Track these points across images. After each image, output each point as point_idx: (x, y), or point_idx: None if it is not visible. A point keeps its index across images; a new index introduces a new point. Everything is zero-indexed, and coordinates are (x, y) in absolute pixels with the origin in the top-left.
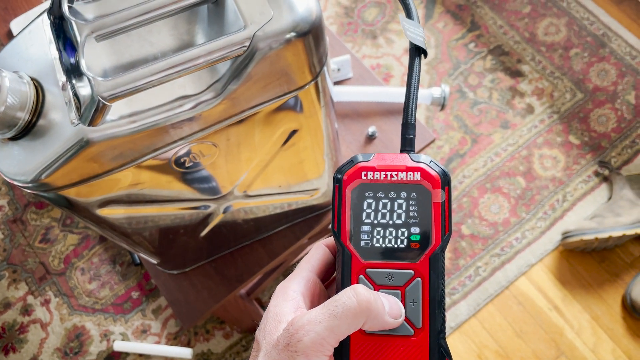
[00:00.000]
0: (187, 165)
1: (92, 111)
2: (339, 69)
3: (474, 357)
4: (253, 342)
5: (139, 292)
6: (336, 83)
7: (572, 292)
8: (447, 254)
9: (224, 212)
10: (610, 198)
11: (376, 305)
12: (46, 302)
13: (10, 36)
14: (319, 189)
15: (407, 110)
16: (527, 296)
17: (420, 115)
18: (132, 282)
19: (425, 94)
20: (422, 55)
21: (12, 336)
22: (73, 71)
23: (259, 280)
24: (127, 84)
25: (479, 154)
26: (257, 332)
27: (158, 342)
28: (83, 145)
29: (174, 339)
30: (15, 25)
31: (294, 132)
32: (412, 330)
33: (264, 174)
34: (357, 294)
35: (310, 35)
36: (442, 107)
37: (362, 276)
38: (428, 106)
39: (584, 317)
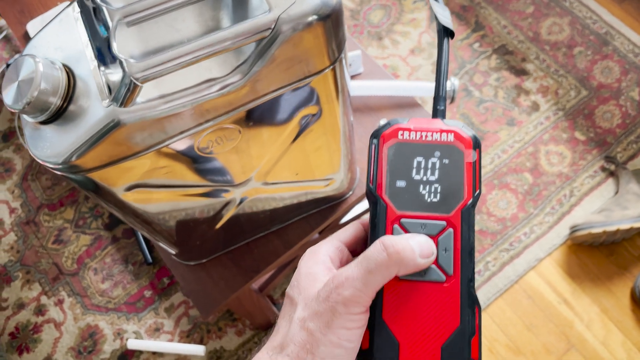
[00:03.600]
0: (210, 149)
1: (124, 92)
2: (350, 64)
3: (485, 351)
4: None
5: (151, 291)
6: None
7: (581, 286)
8: None
9: (241, 201)
10: (617, 192)
11: (405, 254)
12: (60, 302)
13: (27, 38)
14: (334, 178)
15: (439, 84)
16: (536, 290)
17: (429, 109)
18: (144, 281)
19: (432, 87)
20: (449, 37)
21: (26, 336)
22: (105, 55)
23: (270, 276)
24: (159, 65)
25: (486, 151)
26: (288, 291)
27: (171, 340)
28: (114, 126)
29: (187, 337)
30: (32, 27)
31: (312, 116)
32: (443, 277)
33: (283, 160)
34: (386, 247)
35: (331, 19)
36: (452, 99)
37: (396, 225)
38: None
39: (593, 310)
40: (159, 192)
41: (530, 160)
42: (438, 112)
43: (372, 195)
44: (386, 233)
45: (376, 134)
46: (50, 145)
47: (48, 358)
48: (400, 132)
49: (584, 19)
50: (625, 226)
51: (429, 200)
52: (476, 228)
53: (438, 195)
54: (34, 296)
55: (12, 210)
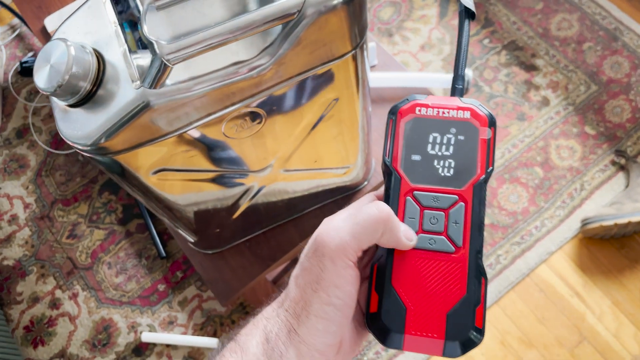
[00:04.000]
0: (235, 133)
1: (154, 74)
2: None
3: (497, 344)
4: None
5: (165, 284)
6: None
7: (592, 279)
8: None
9: (260, 190)
10: (627, 186)
11: (393, 220)
12: (74, 296)
13: (44, 33)
14: (351, 167)
15: (458, 63)
16: (548, 283)
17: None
18: (158, 275)
19: (447, 78)
20: (471, 19)
21: (41, 329)
22: (136, 33)
23: (284, 268)
24: (190, 47)
25: (497, 145)
26: (300, 258)
27: (185, 333)
28: (144, 107)
29: (200, 330)
30: (50, 22)
31: (333, 102)
32: (453, 248)
33: (303, 147)
34: (377, 205)
35: (354, 4)
36: (466, 90)
37: (409, 197)
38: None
39: (605, 302)
40: (183, 176)
41: (541, 154)
42: (456, 91)
43: (388, 167)
44: (399, 205)
45: (394, 109)
46: (80, 127)
47: (63, 351)
48: (417, 108)
49: (593, 14)
50: (636, 218)
51: (442, 174)
52: (487, 222)
53: (451, 170)
54: (48, 290)
55: (26, 206)
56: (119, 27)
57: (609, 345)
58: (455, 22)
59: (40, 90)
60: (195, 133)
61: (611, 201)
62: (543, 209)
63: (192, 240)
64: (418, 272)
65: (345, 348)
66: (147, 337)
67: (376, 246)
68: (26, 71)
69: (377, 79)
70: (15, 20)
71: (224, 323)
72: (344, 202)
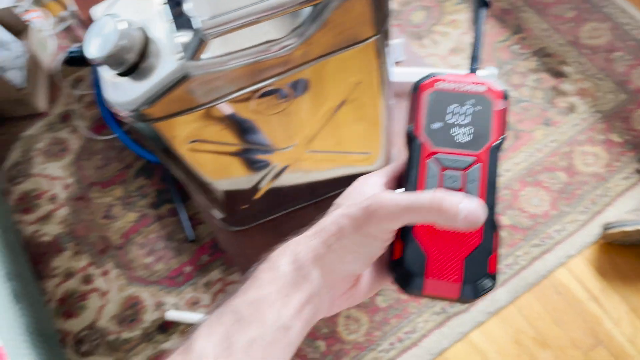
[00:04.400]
0: (264, 107)
1: (194, 47)
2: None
3: (511, 342)
4: None
5: (191, 267)
6: None
7: (611, 284)
8: None
9: (284, 169)
10: None
11: (447, 206)
12: (105, 273)
13: (91, 22)
14: (372, 153)
15: (476, 46)
16: (566, 286)
17: None
18: (185, 257)
19: None
20: (486, 7)
21: (73, 303)
22: (178, 16)
23: None
24: (227, 23)
25: (521, 149)
26: (336, 200)
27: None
28: (182, 78)
29: None
30: (96, 12)
31: (356, 85)
32: None
33: (326, 128)
34: (433, 194)
35: None
36: None
37: (430, 160)
38: None
39: (622, 308)
40: (213, 148)
41: (565, 159)
42: (472, 70)
43: (410, 135)
44: (420, 167)
45: (416, 85)
46: (125, 95)
47: (92, 324)
48: (437, 83)
49: (623, 25)
50: None
51: (460, 140)
52: (507, 223)
53: (469, 137)
54: (82, 266)
55: (65, 187)
56: (164, 7)
57: (625, 351)
58: (486, 27)
59: (90, 60)
60: (226, 107)
61: (634, 208)
62: (564, 213)
63: (220, 217)
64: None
65: (360, 288)
66: (171, 315)
67: None
68: (73, 61)
69: (402, 73)
70: (65, 13)
71: None
72: None
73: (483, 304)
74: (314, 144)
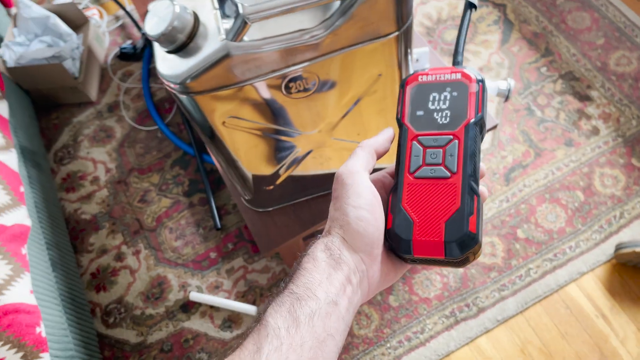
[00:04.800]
0: (293, 91)
1: (236, 29)
2: (417, 59)
3: (518, 351)
4: None
5: (216, 253)
6: None
7: (620, 303)
8: (500, 253)
9: (308, 153)
10: None
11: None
12: (137, 253)
13: None
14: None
15: (458, 43)
16: (575, 301)
17: (492, 107)
18: (211, 244)
19: (492, 85)
20: (472, 9)
21: (104, 277)
22: (224, 2)
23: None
24: (266, 10)
25: (541, 166)
26: (337, 195)
27: (228, 298)
28: (225, 56)
29: (242, 297)
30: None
31: (377, 77)
32: (448, 174)
33: (349, 117)
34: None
35: None
36: (507, 98)
37: (414, 142)
38: (497, 110)
39: (630, 328)
40: (246, 125)
41: (584, 179)
42: (455, 62)
43: (399, 122)
44: (407, 148)
45: (402, 81)
46: (173, 69)
47: (120, 298)
48: (420, 77)
49: None
50: None
51: (440, 122)
52: (522, 236)
53: (448, 119)
54: (115, 244)
55: (107, 170)
56: None
57: None
58: (516, 49)
59: (147, 36)
60: (259, 87)
61: None
62: (579, 231)
63: (247, 198)
64: (422, 195)
65: (382, 272)
66: (194, 296)
67: (394, 182)
68: (124, 56)
69: None
70: (120, 12)
71: (263, 294)
72: None
73: (492, 312)
74: (337, 132)
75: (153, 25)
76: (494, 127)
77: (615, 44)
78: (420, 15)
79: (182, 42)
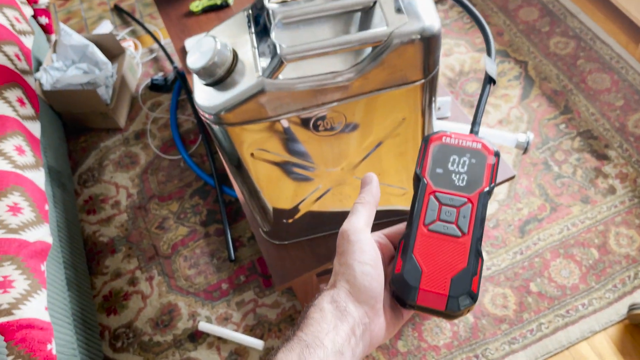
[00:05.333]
0: (320, 129)
1: (273, 67)
2: (439, 107)
3: None
4: None
5: (228, 285)
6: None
7: None
8: (512, 305)
9: (327, 191)
10: None
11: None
12: (150, 278)
13: (183, 51)
14: (408, 190)
15: (477, 114)
16: None
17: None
18: (224, 275)
19: (511, 137)
20: (492, 83)
21: (116, 301)
22: (263, 42)
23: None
24: (303, 52)
25: (557, 221)
26: (342, 250)
27: (236, 330)
28: (260, 92)
29: (250, 331)
30: (188, 43)
31: (401, 121)
32: (460, 233)
33: (371, 157)
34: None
35: (430, 41)
36: (525, 151)
37: (431, 196)
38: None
39: None
40: (272, 158)
41: (599, 237)
42: (473, 131)
43: (418, 176)
44: (424, 202)
45: (426, 137)
46: (209, 100)
47: (130, 323)
48: (444, 137)
49: None
50: None
51: (457, 184)
52: (535, 290)
53: (465, 182)
54: (130, 269)
55: (129, 195)
56: (253, 35)
57: None
58: (536, 104)
59: (189, 69)
60: (290, 123)
61: None
62: (593, 289)
63: (265, 230)
64: (433, 248)
65: (386, 321)
66: (203, 326)
67: (405, 228)
68: (154, 87)
69: (445, 127)
70: (155, 45)
71: (271, 329)
72: (397, 224)
73: None
74: (358, 171)
75: (195, 60)
76: (512, 178)
77: (634, 106)
78: (444, 66)
79: (220, 77)
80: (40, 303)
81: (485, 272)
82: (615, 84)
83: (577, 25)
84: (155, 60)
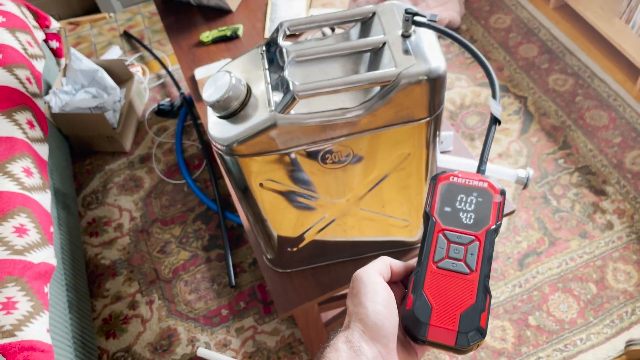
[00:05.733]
0: (328, 161)
1: (285, 103)
2: (442, 141)
3: None
4: None
5: (228, 310)
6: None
7: None
8: (511, 338)
9: (332, 221)
10: None
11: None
12: (150, 302)
13: (193, 79)
14: (411, 222)
15: (483, 154)
16: None
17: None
18: (224, 301)
19: (511, 173)
20: (497, 124)
21: (116, 324)
22: (276, 78)
23: (338, 314)
24: (314, 89)
25: (555, 255)
26: (355, 291)
27: (235, 357)
28: (272, 125)
29: (249, 358)
30: (198, 72)
31: (406, 156)
32: (468, 271)
33: (376, 190)
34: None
35: (436, 82)
36: (525, 186)
37: (440, 234)
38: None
39: None
40: (280, 188)
41: (597, 272)
42: (480, 170)
43: (427, 214)
44: (433, 240)
45: (434, 177)
46: (223, 132)
47: (129, 347)
48: (451, 177)
49: None
50: None
51: (465, 222)
52: (534, 323)
53: (472, 220)
54: (130, 292)
55: (132, 219)
56: (267, 71)
57: None
58: (535, 139)
59: (204, 102)
60: (299, 155)
61: None
62: (591, 324)
63: (269, 257)
64: (442, 284)
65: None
66: (202, 352)
67: (416, 265)
68: (161, 112)
69: (447, 161)
70: (162, 71)
71: (270, 357)
72: (400, 254)
73: None
74: (363, 203)
75: (210, 93)
76: (512, 213)
77: (631, 144)
78: (445, 99)
79: (234, 110)
80: (43, 325)
81: None
82: (612, 121)
83: (575, 63)
84: (163, 86)
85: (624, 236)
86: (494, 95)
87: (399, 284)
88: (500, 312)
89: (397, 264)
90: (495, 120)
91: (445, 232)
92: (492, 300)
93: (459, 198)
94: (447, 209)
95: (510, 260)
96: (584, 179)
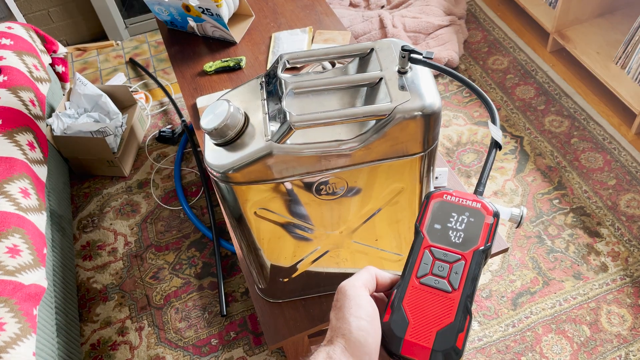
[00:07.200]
0: (322, 193)
1: (282, 133)
2: (437, 177)
3: None
4: None
5: (218, 340)
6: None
7: None
8: None
9: (325, 253)
10: None
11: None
12: (140, 329)
13: (194, 108)
14: (403, 256)
15: (481, 177)
16: None
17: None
18: (214, 330)
19: (506, 210)
20: (498, 148)
21: (104, 350)
22: (274, 108)
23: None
24: (310, 120)
25: (549, 295)
26: (339, 305)
27: None
28: (267, 154)
29: None
30: (199, 101)
31: (400, 190)
32: (450, 289)
33: (369, 223)
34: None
35: (430, 118)
36: (518, 225)
37: (426, 251)
38: (508, 234)
39: None
40: (273, 217)
41: (591, 315)
42: (477, 192)
43: (417, 229)
44: (418, 255)
45: (428, 194)
46: (219, 159)
47: None
48: (445, 195)
49: None
50: None
51: (453, 240)
52: None
53: (460, 239)
54: (121, 318)
55: (126, 243)
56: (265, 101)
57: None
58: (530, 178)
59: (202, 129)
60: (294, 185)
61: None
62: None
63: (261, 287)
64: (422, 300)
65: None
66: None
67: (399, 280)
68: (161, 138)
69: None
70: (165, 99)
71: None
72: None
73: None
74: (356, 235)
75: (208, 121)
76: (505, 250)
77: (626, 187)
78: (442, 136)
79: (231, 138)
80: (29, 348)
81: (476, 343)
82: (607, 163)
83: (571, 106)
84: (165, 113)
85: (618, 279)
86: (493, 120)
87: (383, 296)
88: (492, 352)
89: (383, 275)
90: (495, 145)
91: (431, 248)
92: (485, 340)
93: (450, 216)
94: (437, 226)
95: (504, 299)
96: (579, 220)
